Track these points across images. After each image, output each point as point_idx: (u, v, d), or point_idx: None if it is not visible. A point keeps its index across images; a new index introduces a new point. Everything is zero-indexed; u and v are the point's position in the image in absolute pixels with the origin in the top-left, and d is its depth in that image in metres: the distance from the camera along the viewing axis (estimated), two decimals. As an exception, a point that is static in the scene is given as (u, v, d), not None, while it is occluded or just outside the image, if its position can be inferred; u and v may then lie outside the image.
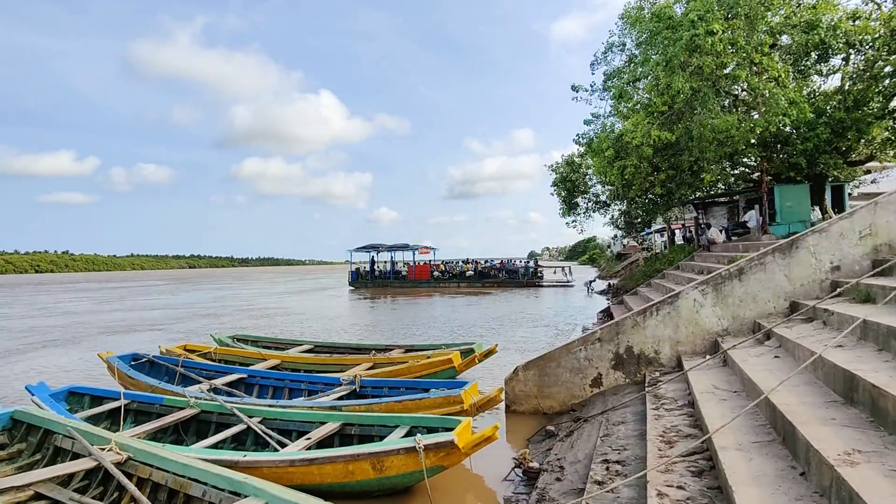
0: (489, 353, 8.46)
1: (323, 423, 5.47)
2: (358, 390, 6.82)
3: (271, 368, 8.67)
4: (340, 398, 6.59)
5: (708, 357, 5.92)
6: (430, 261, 40.80)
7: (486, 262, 39.91)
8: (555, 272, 40.05)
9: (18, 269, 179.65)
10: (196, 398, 6.15)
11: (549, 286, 33.75)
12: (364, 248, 39.42)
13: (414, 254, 40.71)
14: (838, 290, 5.41)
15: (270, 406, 6.04)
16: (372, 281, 38.64)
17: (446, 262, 40.93)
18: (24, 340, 15.53)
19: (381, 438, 5.05)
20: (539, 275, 36.33)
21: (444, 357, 7.51)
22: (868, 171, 29.49)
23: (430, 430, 4.91)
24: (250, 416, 5.76)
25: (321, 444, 5.39)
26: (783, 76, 13.14)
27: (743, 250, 12.24)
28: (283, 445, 5.15)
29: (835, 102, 14.05)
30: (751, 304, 6.20)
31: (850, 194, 21.84)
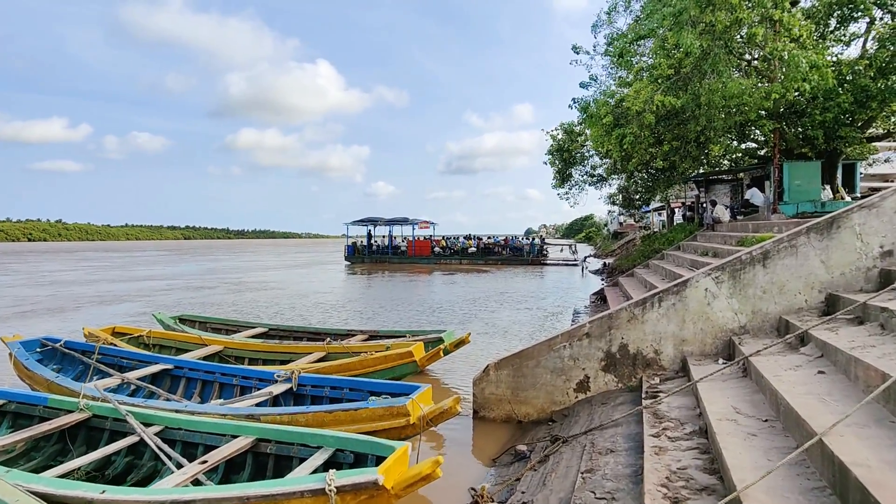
0: (460, 342, 7.32)
1: (235, 437, 4.31)
2: (295, 389, 5.66)
3: (210, 356, 7.54)
4: (270, 400, 5.42)
5: (723, 363, 4.74)
6: (430, 236, 39.01)
7: (489, 238, 38.61)
8: (561, 250, 38.82)
9: (10, 238, 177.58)
10: (93, 398, 4.99)
11: (553, 264, 32.52)
12: (361, 221, 37.70)
13: (413, 228, 38.87)
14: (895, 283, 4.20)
15: (176, 412, 4.86)
16: (369, 256, 37.00)
17: (447, 238, 39.07)
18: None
19: (301, 461, 3.92)
20: (544, 252, 35.11)
21: (404, 349, 6.33)
22: (874, 151, 28.16)
23: (358, 458, 3.75)
24: (149, 424, 4.60)
25: (229, 465, 4.26)
26: (805, 36, 11.71)
27: (753, 230, 11.01)
28: (188, 463, 4.02)
29: (861, 68, 12.63)
30: (776, 296, 5.00)
31: (861, 174, 20.65)
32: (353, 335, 8.28)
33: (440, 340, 7.30)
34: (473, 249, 35.70)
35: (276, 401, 5.80)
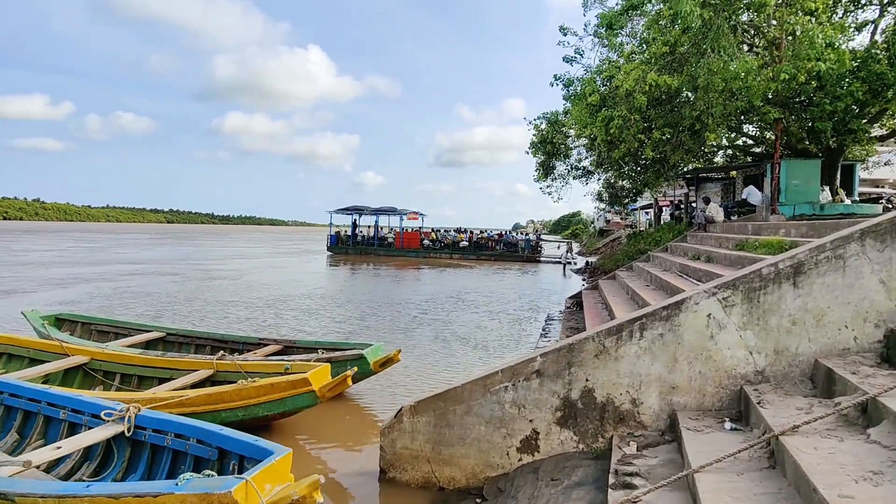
0: (388, 361, 5.75)
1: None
2: (129, 433, 3.99)
3: (73, 370, 5.88)
4: (100, 449, 3.78)
5: (732, 427, 3.17)
6: (419, 228, 36.67)
7: (481, 232, 36.79)
8: (558, 247, 37.14)
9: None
10: None
11: (547, 262, 30.77)
12: (346, 209, 35.35)
13: (402, 219, 36.26)
14: None
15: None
16: (353, 247, 34.63)
17: (437, 231, 36.70)
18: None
19: None
20: (539, 249, 33.37)
21: (298, 376, 4.68)
22: (874, 152, 26.95)
23: None
24: None
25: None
26: (822, 9, 10.17)
27: (753, 232, 9.50)
28: None
29: (878, 51, 11.14)
30: (811, 330, 3.43)
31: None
32: (265, 345, 6.64)
33: (361, 359, 5.68)
34: (465, 243, 33.66)
35: (108, 448, 4.18)
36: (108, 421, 4.08)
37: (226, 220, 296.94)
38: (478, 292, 16.39)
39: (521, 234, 40.03)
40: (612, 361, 3.70)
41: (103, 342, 6.70)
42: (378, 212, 35.44)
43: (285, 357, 5.93)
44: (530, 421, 3.84)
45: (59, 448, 3.62)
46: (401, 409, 4.12)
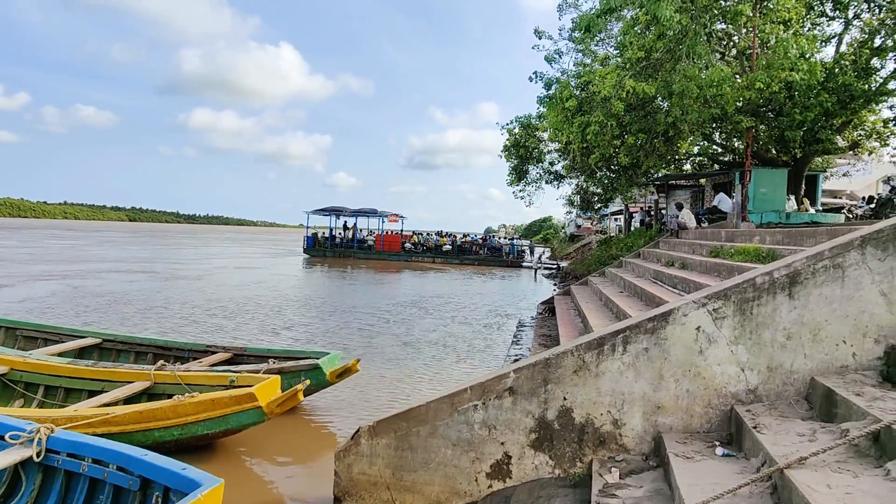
0: (345, 371, 5.31)
1: None
2: (38, 457, 3.44)
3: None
4: (7, 476, 3.23)
5: (724, 452, 2.86)
6: (401, 230, 35.57)
7: (464, 235, 36.21)
8: (542, 253, 36.87)
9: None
10: None
11: (530, 268, 30.45)
12: (323, 210, 33.93)
13: (382, 221, 35.05)
14: None
15: None
16: (331, 249, 33.19)
17: (419, 234, 35.62)
18: None
19: None
20: (523, 254, 32.98)
21: (242, 390, 4.19)
22: (833, 164, 27.81)
23: None
24: None
25: None
26: (795, 19, 10.21)
27: (727, 239, 9.40)
28: None
29: (847, 63, 11.29)
30: (807, 346, 3.16)
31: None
32: (213, 353, 6.09)
33: (316, 369, 5.21)
34: (448, 247, 32.94)
35: (15, 476, 3.61)
36: (14, 444, 3.52)
37: (191, 219, 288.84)
38: (452, 296, 16.01)
39: (497, 237, 39.84)
40: (593, 378, 3.35)
41: (30, 349, 6.04)
42: (357, 213, 34.21)
43: (232, 367, 5.41)
44: (502, 444, 3.46)
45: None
46: (358, 430, 3.68)
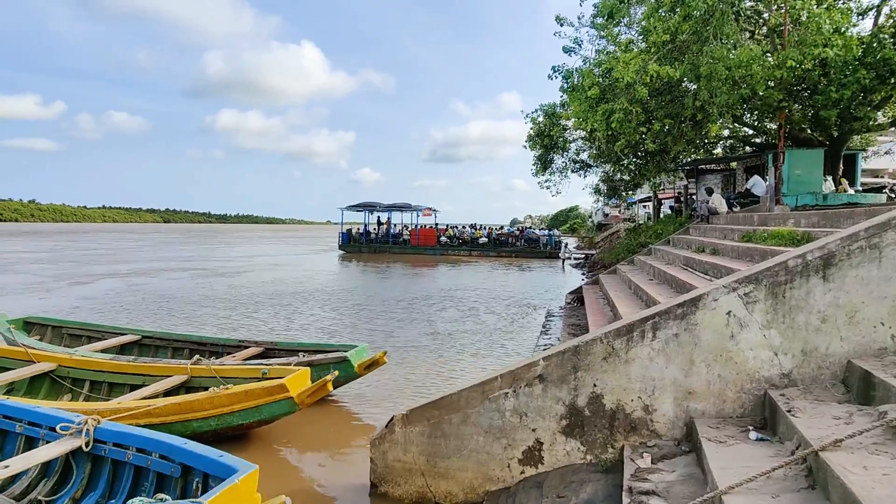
0: (373, 363, 5.43)
1: None
2: (87, 447, 3.64)
3: (39, 377, 5.51)
4: (59, 466, 3.45)
5: (758, 436, 2.83)
6: (435, 224, 35.21)
7: (500, 227, 35.86)
8: (567, 244, 36.44)
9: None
10: None
11: (568, 258, 30.07)
12: (357, 206, 33.66)
13: (417, 215, 34.80)
14: None
15: None
16: (367, 245, 33.06)
17: (454, 227, 35.15)
18: None
19: None
20: (559, 245, 32.44)
21: (274, 381, 4.33)
22: (874, 142, 26.67)
23: None
24: None
25: None
26: (828, -7, 9.82)
27: (760, 223, 9.16)
28: None
29: (887, 35, 10.80)
30: (843, 328, 3.09)
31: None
32: (245, 347, 6.28)
33: (345, 361, 5.33)
34: (485, 240, 32.57)
35: (66, 465, 3.83)
36: (65, 435, 3.73)
37: (223, 219, 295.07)
38: (483, 288, 16.03)
39: (532, 228, 39.38)
40: (623, 364, 3.35)
41: (75, 346, 6.33)
42: (391, 208, 34.03)
43: (264, 361, 5.58)
44: (533, 430, 3.49)
45: (6, 467, 3.26)
46: (392, 419, 3.77)
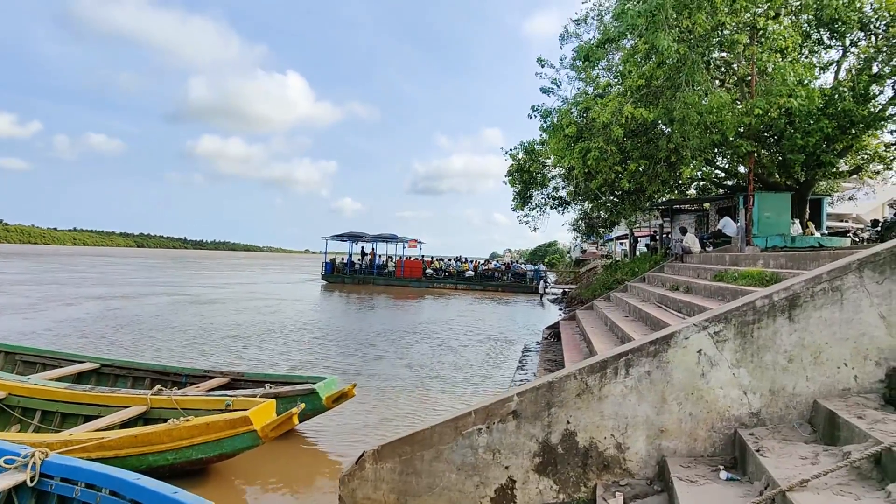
0: (342, 396, 5.29)
1: None
2: (32, 482, 3.43)
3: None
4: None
5: (728, 476, 2.82)
6: (421, 256, 35.16)
7: (486, 262, 35.83)
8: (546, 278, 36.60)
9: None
10: None
11: (550, 293, 29.78)
12: (342, 236, 33.19)
13: (403, 247, 34.54)
14: None
15: None
16: (350, 276, 32.56)
17: (440, 260, 34.95)
18: None
19: None
20: (547, 280, 32.24)
21: (237, 414, 4.18)
22: (839, 189, 27.85)
23: None
24: None
25: None
26: (791, 47, 10.39)
27: (731, 263, 9.39)
28: None
29: (845, 89, 11.43)
30: (808, 368, 3.14)
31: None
32: (210, 377, 6.08)
33: (312, 394, 5.19)
34: (471, 273, 32.45)
35: (8, 502, 3.59)
36: (8, 468, 3.52)
37: (199, 245, 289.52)
38: (462, 322, 15.93)
39: (516, 263, 39.52)
40: (596, 401, 3.33)
41: (29, 374, 6.04)
42: (376, 239, 33.68)
43: (229, 392, 5.40)
44: (506, 468, 3.42)
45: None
46: (363, 455, 3.66)
